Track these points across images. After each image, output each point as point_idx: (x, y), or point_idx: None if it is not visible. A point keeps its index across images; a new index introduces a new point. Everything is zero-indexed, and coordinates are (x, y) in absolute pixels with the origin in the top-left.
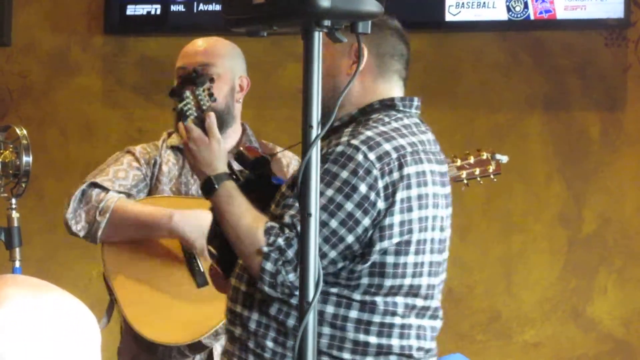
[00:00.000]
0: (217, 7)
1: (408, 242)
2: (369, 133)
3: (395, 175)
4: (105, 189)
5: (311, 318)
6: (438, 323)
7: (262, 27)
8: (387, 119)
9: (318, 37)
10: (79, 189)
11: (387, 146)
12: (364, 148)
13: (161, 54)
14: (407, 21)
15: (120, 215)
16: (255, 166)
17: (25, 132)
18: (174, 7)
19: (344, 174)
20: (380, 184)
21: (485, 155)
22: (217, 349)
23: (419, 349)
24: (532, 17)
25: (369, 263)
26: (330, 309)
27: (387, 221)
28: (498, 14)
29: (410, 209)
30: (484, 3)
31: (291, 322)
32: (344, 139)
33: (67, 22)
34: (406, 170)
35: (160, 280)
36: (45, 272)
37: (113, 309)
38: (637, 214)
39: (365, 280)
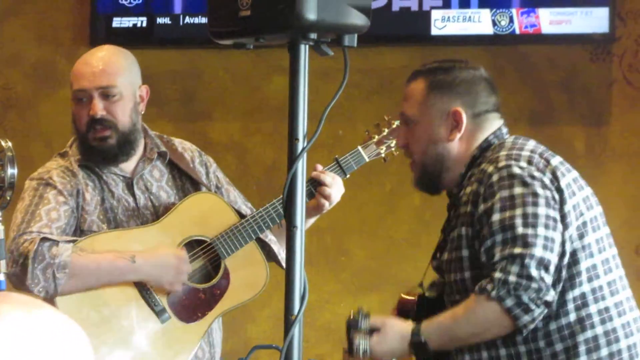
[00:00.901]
0: (203, 20)
1: (584, 223)
2: (503, 153)
3: (549, 168)
4: (56, 242)
5: (296, 331)
6: (630, 291)
7: (248, 40)
8: (498, 146)
9: (304, 50)
10: (31, 250)
11: (525, 152)
12: (512, 162)
13: (147, 67)
14: (393, 35)
15: (80, 267)
16: (422, 307)
17: (10, 144)
18: (160, 20)
19: (518, 190)
20: (546, 179)
21: (396, 124)
22: None
23: (635, 320)
24: (517, 32)
25: (566, 255)
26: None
27: (565, 209)
28: (484, 28)
29: (574, 193)
30: (470, 17)
31: None
32: (490, 169)
33: (53, 34)
34: (553, 162)
35: (122, 323)
36: None
37: None
38: (622, 229)
39: (564, 274)
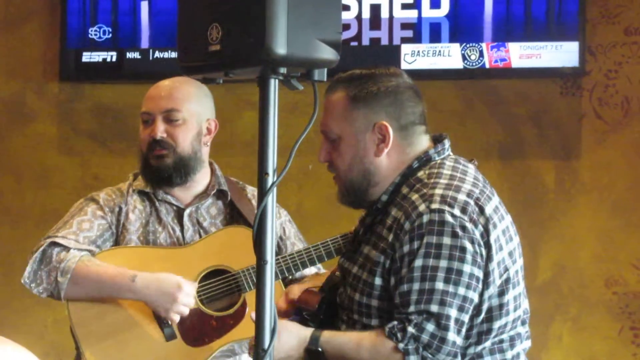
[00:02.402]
0: (173, 54)
1: (507, 280)
2: (438, 192)
3: (482, 220)
4: (66, 248)
5: None
6: (529, 342)
7: (218, 74)
8: (435, 171)
9: (274, 84)
10: (39, 250)
11: (461, 197)
12: (446, 208)
13: (117, 101)
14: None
15: (82, 276)
16: (322, 308)
17: None
18: (129, 55)
19: (447, 240)
20: (477, 233)
21: None
22: None
23: None
24: (487, 66)
25: (481, 315)
26: None
27: (489, 267)
28: (453, 63)
29: (501, 248)
30: (440, 52)
31: None
32: (422, 207)
33: (23, 68)
34: (486, 212)
35: (128, 335)
36: (0, 320)
37: None
38: (592, 263)
39: (475, 331)
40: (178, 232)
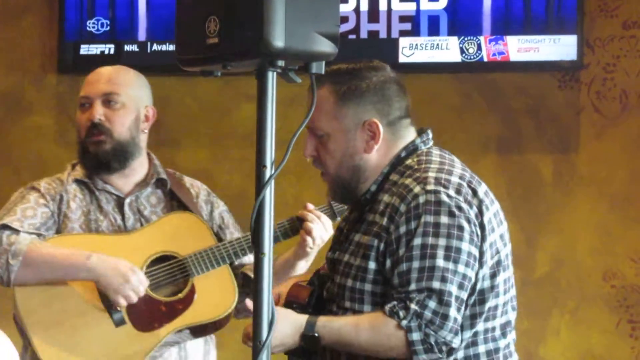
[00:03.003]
0: (171, 47)
1: (499, 262)
2: (431, 174)
3: (475, 201)
4: (16, 231)
5: (264, 357)
6: (514, 334)
7: (215, 67)
8: (424, 158)
9: (272, 77)
10: None
11: (454, 179)
12: (441, 189)
13: None
14: None
15: (34, 258)
16: (312, 301)
17: None
18: (127, 47)
19: (444, 219)
20: (472, 213)
21: None
22: None
23: None
24: (485, 59)
25: (474, 294)
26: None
27: (483, 247)
28: (451, 56)
29: (493, 229)
30: (438, 45)
31: None
32: (417, 189)
33: (21, 61)
34: (479, 194)
35: (77, 321)
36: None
37: (26, 354)
38: (589, 256)
39: (467, 312)
40: (119, 221)
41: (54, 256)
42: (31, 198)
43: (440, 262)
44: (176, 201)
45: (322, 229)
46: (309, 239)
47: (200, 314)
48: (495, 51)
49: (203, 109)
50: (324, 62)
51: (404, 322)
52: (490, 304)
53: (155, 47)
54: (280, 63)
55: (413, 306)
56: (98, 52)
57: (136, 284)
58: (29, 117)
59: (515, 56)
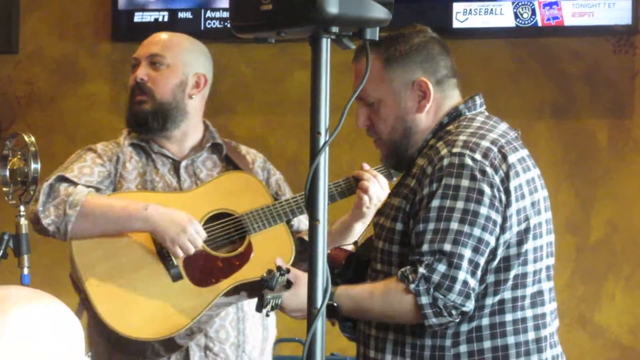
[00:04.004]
0: (225, 14)
1: (527, 229)
2: (462, 138)
3: (504, 166)
4: (74, 183)
5: (319, 324)
6: (555, 304)
7: (270, 34)
8: (464, 123)
9: (326, 43)
10: (46, 183)
11: (484, 143)
12: (467, 152)
13: None
14: None
15: (91, 208)
16: (350, 266)
17: (33, 139)
18: (181, 15)
19: (465, 182)
20: (497, 178)
21: None
22: (194, 348)
23: (551, 335)
24: (539, 24)
25: (496, 260)
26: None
27: (507, 212)
28: (506, 21)
29: (522, 196)
30: (492, 10)
31: None
32: (444, 151)
33: (75, 29)
34: (510, 159)
35: (134, 276)
36: (53, 278)
37: (82, 310)
38: None
39: (491, 278)
40: (175, 183)
41: (111, 206)
42: (88, 157)
43: (454, 224)
44: (232, 166)
45: (378, 187)
46: (365, 197)
47: (257, 271)
48: (550, 16)
49: (257, 75)
50: (377, 28)
51: (412, 286)
52: (516, 271)
53: (209, 14)
54: (334, 29)
55: (421, 270)
56: (152, 20)
57: (193, 235)
58: (83, 85)
59: (569, 21)
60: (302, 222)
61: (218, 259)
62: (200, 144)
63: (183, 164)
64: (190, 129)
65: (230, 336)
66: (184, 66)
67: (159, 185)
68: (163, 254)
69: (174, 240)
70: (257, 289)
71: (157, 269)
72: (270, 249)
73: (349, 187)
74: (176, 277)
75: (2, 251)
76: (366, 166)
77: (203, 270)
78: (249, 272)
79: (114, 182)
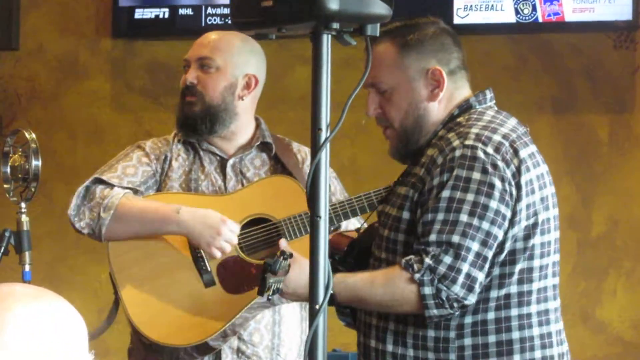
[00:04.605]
0: (225, 11)
1: (535, 224)
2: (474, 130)
3: (515, 161)
4: (110, 185)
5: (321, 321)
6: (559, 301)
7: (270, 30)
8: (475, 115)
9: (327, 39)
10: (82, 186)
11: (496, 137)
12: (480, 145)
13: (170, 58)
14: None
15: (125, 211)
16: (352, 252)
17: (34, 136)
18: (182, 11)
19: (476, 175)
20: (508, 173)
21: None
22: (226, 351)
23: (557, 332)
24: (540, 20)
25: (503, 254)
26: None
27: (517, 207)
28: (506, 17)
29: (532, 191)
30: (492, 6)
31: (430, 354)
32: (456, 142)
33: (75, 26)
34: (521, 154)
35: (166, 280)
36: (54, 275)
37: (117, 308)
38: None
39: (496, 272)
40: (220, 182)
41: (144, 210)
42: (134, 156)
43: (464, 217)
44: (281, 165)
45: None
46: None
47: None
48: (550, 11)
49: None
50: (378, 24)
51: (417, 275)
52: (522, 265)
53: (209, 10)
54: (335, 25)
55: (427, 260)
56: (152, 17)
57: (228, 235)
58: (84, 81)
59: (570, 16)
60: (350, 222)
61: (252, 266)
62: (250, 143)
63: (230, 162)
64: (239, 129)
65: (265, 339)
66: (234, 68)
67: (203, 185)
68: (197, 257)
69: (210, 244)
70: None
71: (190, 274)
72: (306, 256)
73: (371, 204)
74: (209, 283)
75: (3, 248)
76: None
77: (236, 277)
78: None
79: (158, 182)
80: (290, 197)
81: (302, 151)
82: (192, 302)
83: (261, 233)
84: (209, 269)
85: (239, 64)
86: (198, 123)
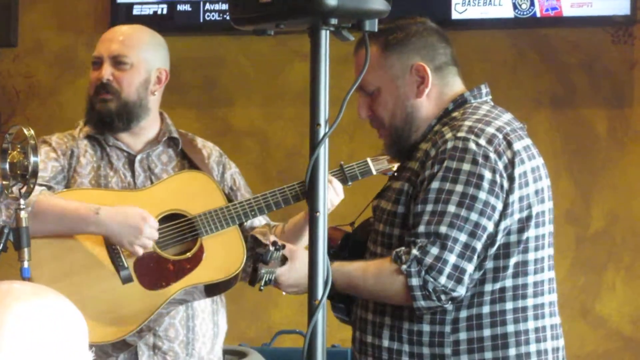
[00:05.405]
0: (224, 7)
1: (529, 217)
2: (467, 123)
3: (509, 153)
4: None
5: (320, 316)
6: (555, 296)
7: (268, 26)
8: (470, 110)
9: (325, 35)
10: None
11: (490, 129)
12: (472, 137)
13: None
14: None
15: (42, 209)
16: (346, 246)
17: (32, 132)
18: (180, 7)
19: (466, 166)
20: (500, 165)
21: None
22: (142, 347)
23: (552, 326)
24: (538, 15)
25: (495, 246)
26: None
27: (509, 199)
28: (504, 12)
29: (526, 184)
30: (490, 1)
31: (425, 349)
32: (449, 135)
33: (74, 22)
34: (515, 147)
35: (83, 277)
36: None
37: None
38: None
39: (490, 265)
40: (129, 178)
41: (63, 208)
42: (42, 151)
43: (452, 207)
44: (187, 161)
45: (332, 192)
46: None
47: (208, 274)
48: (549, 6)
49: (256, 68)
50: (376, 20)
51: (404, 267)
52: (517, 259)
53: (208, 6)
54: (333, 21)
55: (414, 251)
56: (151, 12)
57: (149, 232)
58: (82, 77)
59: (568, 11)
60: (257, 219)
61: (169, 262)
62: (157, 138)
63: (138, 157)
64: (148, 124)
65: (180, 334)
66: (147, 63)
67: (113, 181)
68: (114, 253)
69: (132, 242)
70: (209, 291)
71: (107, 271)
72: (222, 251)
73: (304, 190)
74: (126, 280)
75: (2, 244)
76: None
77: (153, 273)
78: (200, 275)
79: (67, 177)
80: (204, 192)
81: (207, 146)
82: (109, 298)
83: (176, 229)
84: (126, 265)
85: (150, 59)
86: (115, 120)
